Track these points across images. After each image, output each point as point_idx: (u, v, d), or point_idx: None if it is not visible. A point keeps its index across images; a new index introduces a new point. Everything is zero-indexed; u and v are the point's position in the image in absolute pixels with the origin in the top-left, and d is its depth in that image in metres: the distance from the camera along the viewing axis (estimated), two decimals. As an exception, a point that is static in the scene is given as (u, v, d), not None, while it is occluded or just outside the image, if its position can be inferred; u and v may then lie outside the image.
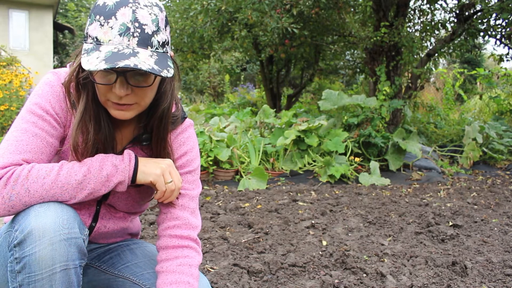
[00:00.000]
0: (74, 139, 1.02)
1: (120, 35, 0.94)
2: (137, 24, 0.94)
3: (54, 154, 1.07)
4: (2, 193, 0.93)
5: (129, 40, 0.94)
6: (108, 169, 1.01)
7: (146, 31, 0.95)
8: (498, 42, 5.48)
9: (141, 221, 2.73)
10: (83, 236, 0.97)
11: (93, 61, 0.91)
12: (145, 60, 0.93)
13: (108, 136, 1.08)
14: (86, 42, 0.98)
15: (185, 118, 1.22)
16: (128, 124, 1.17)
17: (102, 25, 0.94)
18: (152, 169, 1.06)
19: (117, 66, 0.89)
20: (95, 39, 0.95)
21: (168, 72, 0.95)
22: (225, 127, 5.48)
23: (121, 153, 1.13)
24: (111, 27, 0.94)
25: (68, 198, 0.98)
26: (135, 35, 0.94)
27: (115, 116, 1.04)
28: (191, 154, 1.21)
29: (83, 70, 1.01)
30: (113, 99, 1.00)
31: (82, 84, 1.03)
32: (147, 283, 1.17)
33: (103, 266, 1.24)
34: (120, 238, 1.32)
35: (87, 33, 0.98)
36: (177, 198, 1.17)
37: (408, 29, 5.93)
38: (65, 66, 1.14)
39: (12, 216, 1.00)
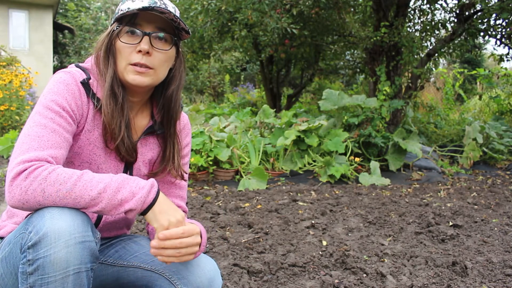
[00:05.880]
0: (107, 101, 1.12)
1: None
2: (163, 0, 1.14)
3: (69, 150, 1.10)
4: (21, 184, 0.94)
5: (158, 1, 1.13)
6: (124, 194, 0.99)
7: (168, 4, 1.15)
8: (498, 42, 5.47)
9: (140, 221, 2.73)
10: (96, 240, 0.98)
11: (130, 5, 1.09)
12: (172, 12, 1.11)
13: (125, 105, 1.15)
14: (117, 14, 1.14)
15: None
16: (142, 112, 1.25)
17: (134, 0, 1.12)
18: (161, 220, 1.02)
19: (154, 5, 1.07)
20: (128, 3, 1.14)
21: (186, 27, 1.16)
22: (225, 127, 5.48)
23: (136, 143, 1.20)
24: None
25: (78, 208, 0.98)
26: (162, 1, 1.13)
27: (132, 82, 1.12)
28: (190, 145, 1.37)
29: (110, 38, 1.15)
30: (135, 59, 1.11)
31: (110, 50, 1.15)
32: (160, 268, 1.17)
33: (110, 260, 1.25)
34: (120, 230, 1.34)
35: (119, 9, 1.14)
36: (178, 188, 1.32)
37: (408, 29, 5.92)
38: (66, 66, 1.16)
39: (24, 219, 1.01)
